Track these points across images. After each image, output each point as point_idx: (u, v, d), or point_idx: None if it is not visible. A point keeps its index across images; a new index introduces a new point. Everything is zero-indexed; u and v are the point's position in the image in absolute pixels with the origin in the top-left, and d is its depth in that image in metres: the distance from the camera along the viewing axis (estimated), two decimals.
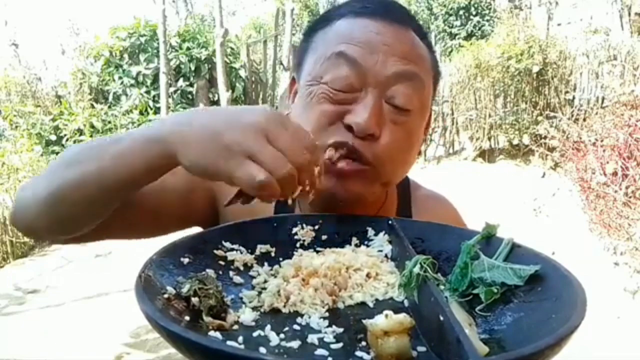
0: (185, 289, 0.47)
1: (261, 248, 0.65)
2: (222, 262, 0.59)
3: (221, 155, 0.50)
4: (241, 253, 0.62)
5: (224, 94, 8.85)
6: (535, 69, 6.32)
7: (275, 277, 0.58)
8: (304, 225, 0.69)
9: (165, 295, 0.46)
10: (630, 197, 3.88)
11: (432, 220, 0.71)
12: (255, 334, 0.45)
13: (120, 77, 9.20)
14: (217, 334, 0.43)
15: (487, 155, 6.90)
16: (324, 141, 0.67)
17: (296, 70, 0.78)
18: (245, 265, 0.61)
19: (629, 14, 7.82)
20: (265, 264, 0.62)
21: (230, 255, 0.61)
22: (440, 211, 0.88)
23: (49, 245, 6.21)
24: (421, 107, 0.71)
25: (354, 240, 0.69)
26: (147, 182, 0.60)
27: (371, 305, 0.55)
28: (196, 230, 0.72)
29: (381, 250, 0.66)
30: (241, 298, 0.54)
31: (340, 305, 0.54)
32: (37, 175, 0.71)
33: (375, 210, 0.80)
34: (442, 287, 0.54)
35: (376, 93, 0.67)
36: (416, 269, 0.51)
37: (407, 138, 0.70)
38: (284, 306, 0.52)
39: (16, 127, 8.49)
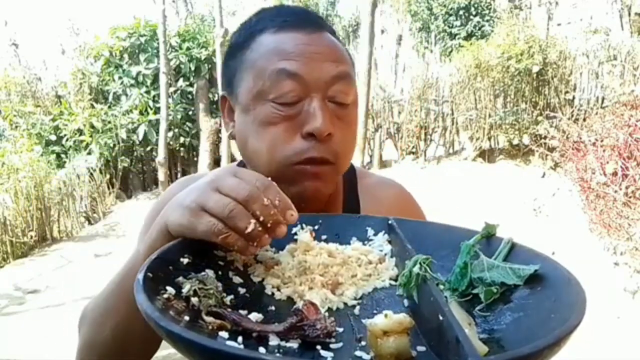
0: (185, 289, 0.47)
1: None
2: (222, 262, 0.59)
3: (184, 216, 0.55)
4: None
5: None
6: (535, 69, 6.33)
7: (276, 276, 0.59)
8: (304, 225, 0.69)
9: (165, 295, 0.46)
10: (630, 197, 3.88)
11: (382, 206, 0.77)
12: (255, 334, 0.45)
13: (120, 77, 9.20)
14: (224, 334, 0.43)
15: (487, 155, 6.91)
16: (287, 159, 0.73)
17: (227, 89, 0.81)
18: (245, 265, 0.61)
19: (629, 14, 7.82)
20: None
21: (230, 255, 0.61)
22: (392, 197, 0.90)
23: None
24: (355, 98, 0.79)
25: (354, 240, 0.69)
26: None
27: (371, 304, 0.55)
28: None
29: (381, 250, 0.66)
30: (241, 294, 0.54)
31: (340, 305, 0.54)
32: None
33: (323, 202, 0.82)
34: (441, 287, 0.54)
35: (320, 96, 0.73)
36: (416, 269, 0.51)
37: (351, 129, 0.79)
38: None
39: (16, 127, 8.49)
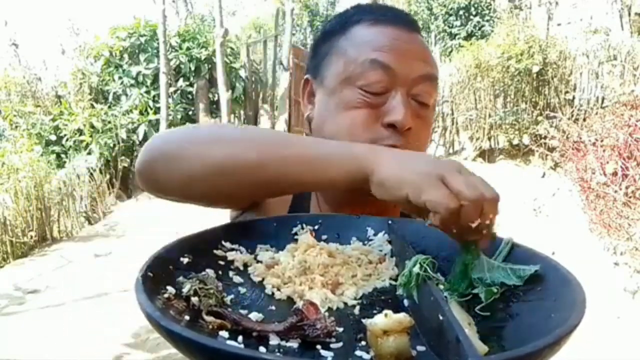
0: (186, 289, 0.47)
1: (261, 248, 0.65)
2: (222, 262, 0.59)
3: (414, 176, 0.54)
4: (241, 253, 0.63)
5: (224, 94, 8.85)
6: (535, 69, 6.33)
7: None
8: (304, 225, 0.69)
9: (166, 295, 0.46)
10: (630, 197, 3.88)
11: None
12: (255, 333, 0.45)
13: (120, 77, 9.19)
14: (224, 333, 0.43)
15: (487, 155, 6.90)
16: (369, 141, 0.74)
17: (313, 72, 0.84)
18: (245, 265, 0.61)
19: (629, 14, 7.82)
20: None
21: (230, 255, 0.61)
22: None
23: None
24: (435, 102, 0.82)
25: (354, 240, 0.69)
26: (331, 189, 0.68)
27: (370, 304, 0.55)
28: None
29: (381, 250, 0.66)
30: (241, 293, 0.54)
31: (340, 305, 0.54)
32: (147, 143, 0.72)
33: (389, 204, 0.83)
34: (441, 287, 0.54)
35: (404, 92, 0.76)
36: (416, 269, 0.51)
37: (428, 129, 0.82)
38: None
39: (16, 127, 8.48)
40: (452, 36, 11.98)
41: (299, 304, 0.47)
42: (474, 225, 0.51)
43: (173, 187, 0.68)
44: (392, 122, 0.74)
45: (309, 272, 0.58)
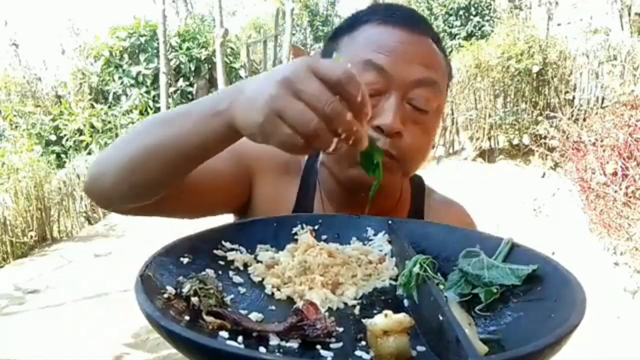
0: (186, 289, 0.47)
1: (261, 248, 0.65)
2: (222, 262, 0.59)
3: (257, 122, 0.52)
4: (241, 253, 0.63)
5: None
6: (535, 69, 6.32)
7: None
8: (304, 225, 0.69)
9: (165, 295, 0.46)
10: (630, 197, 3.88)
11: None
12: (255, 334, 0.45)
13: (120, 77, 9.20)
14: (224, 333, 0.43)
15: (487, 155, 6.90)
16: None
17: None
18: (245, 265, 0.61)
19: (629, 14, 7.81)
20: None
21: (230, 255, 0.61)
22: (453, 217, 0.89)
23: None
24: (437, 108, 0.78)
25: (354, 240, 0.69)
26: (216, 151, 0.64)
27: (370, 304, 0.55)
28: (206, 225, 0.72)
29: (381, 250, 0.66)
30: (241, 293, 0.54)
31: (340, 305, 0.54)
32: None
33: (391, 205, 0.85)
34: (441, 287, 0.54)
35: (399, 96, 0.73)
36: (416, 269, 0.51)
37: (425, 136, 0.77)
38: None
39: (16, 127, 8.49)
40: (452, 36, 11.98)
41: (299, 304, 0.47)
42: (330, 148, 0.50)
43: (113, 196, 0.71)
44: (378, 125, 0.72)
45: (309, 272, 0.58)
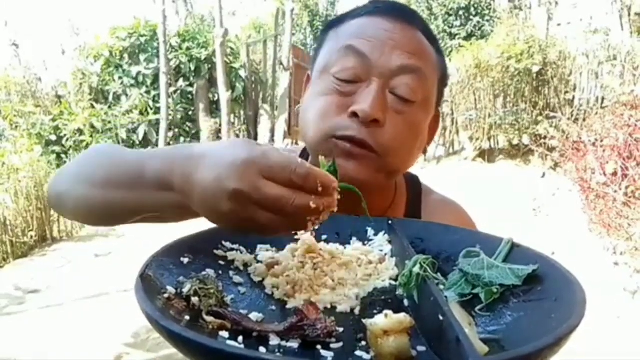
0: (186, 289, 0.47)
1: (261, 248, 0.65)
2: (222, 262, 0.59)
3: (223, 225, 0.50)
4: (241, 253, 0.63)
5: (224, 94, 8.85)
6: (535, 69, 6.32)
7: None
8: None
9: (166, 295, 0.46)
10: (630, 197, 3.88)
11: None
12: (255, 334, 0.45)
13: (120, 77, 9.19)
14: (225, 333, 0.43)
15: (487, 155, 6.90)
16: (330, 130, 0.71)
17: (311, 67, 0.83)
18: (245, 265, 0.61)
19: (629, 14, 7.81)
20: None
21: (230, 255, 0.61)
22: (451, 217, 0.88)
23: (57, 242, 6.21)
24: (424, 100, 0.74)
25: (354, 240, 0.69)
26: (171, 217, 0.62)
27: (371, 304, 0.55)
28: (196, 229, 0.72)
29: (381, 250, 0.66)
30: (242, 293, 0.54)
31: (340, 305, 0.54)
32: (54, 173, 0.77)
33: (385, 206, 0.83)
34: (441, 287, 0.55)
35: (380, 83, 0.70)
36: (416, 269, 0.51)
37: (410, 128, 0.73)
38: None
39: (16, 127, 8.48)
40: (452, 36, 11.98)
41: (299, 304, 0.47)
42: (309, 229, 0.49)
43: (79, 220, 0.72)
44: (355, 111, 0.69)
45: (309, 272, 0.58)
